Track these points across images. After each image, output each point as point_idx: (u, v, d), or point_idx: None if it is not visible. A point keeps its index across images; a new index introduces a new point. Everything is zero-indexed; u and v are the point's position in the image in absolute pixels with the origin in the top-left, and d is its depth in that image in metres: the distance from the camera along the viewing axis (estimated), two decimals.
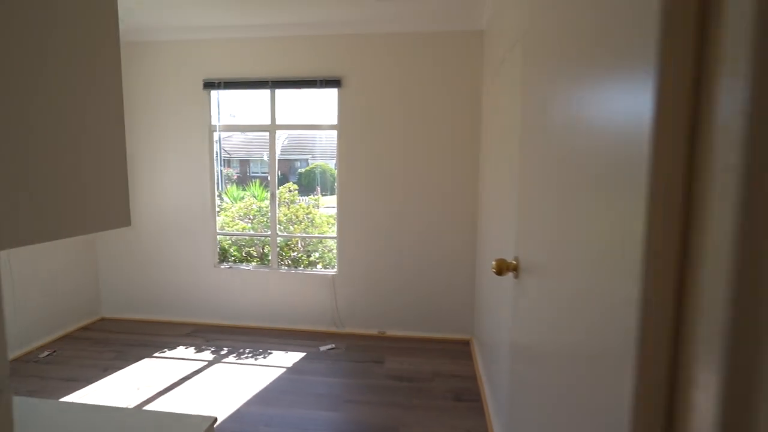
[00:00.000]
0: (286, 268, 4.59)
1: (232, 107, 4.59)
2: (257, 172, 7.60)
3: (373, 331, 4.29)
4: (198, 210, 4.37)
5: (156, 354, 3.78)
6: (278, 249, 4.58)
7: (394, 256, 4.18)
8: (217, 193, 4.46)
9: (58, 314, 4.11)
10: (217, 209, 5.43)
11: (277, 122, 4.23)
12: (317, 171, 7.78)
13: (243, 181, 6.78)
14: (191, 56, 4.18)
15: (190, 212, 4.38)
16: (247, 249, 5.02)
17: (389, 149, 4.06)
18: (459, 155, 3.99)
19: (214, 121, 4.29)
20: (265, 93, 4.20)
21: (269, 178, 4.36)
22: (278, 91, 4.20)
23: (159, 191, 4.39)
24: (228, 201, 5.59)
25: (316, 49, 4.03)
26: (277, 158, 4.32)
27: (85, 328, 4.32)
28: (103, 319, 4.57)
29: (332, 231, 4.83)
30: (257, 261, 4.89)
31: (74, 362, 3.61)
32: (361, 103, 4.05)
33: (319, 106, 4.35)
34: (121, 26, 3.79)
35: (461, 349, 3.95)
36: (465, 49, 3.86)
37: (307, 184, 7.91)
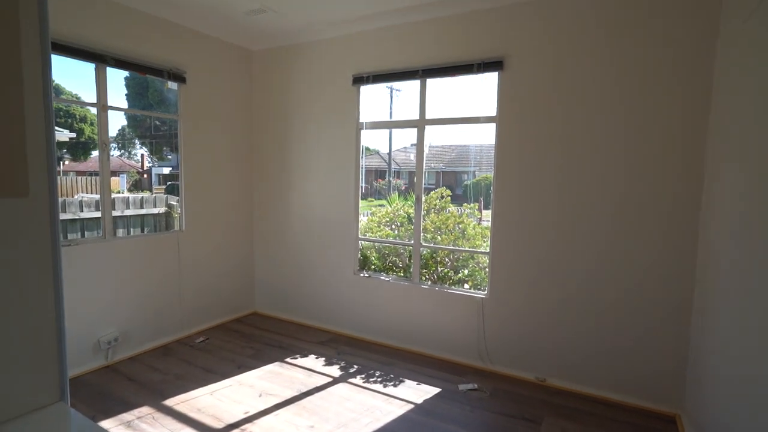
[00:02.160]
0: (429, 283, 4.01)
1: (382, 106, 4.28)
2: (424, 184, 7.50)
3: (530, 376, 3.35)
4: (342, 212, 4.15)
5: (288, 359, 3.62)
6: (422, 261, 4.05)
7: (563, 284, 3.20)
8: (361, 199, 4.19)
9: (218, 304, 4.37)
10: (368, 213, 5.23)
11: (427, 117, 3.72)
12: (482, 183, 7.14)
13: (409, 191, 6.69)
14: (341, 52, 4.01)
15: (335, 214, 4.20)
16: (392, 258, 4.64)
17: (565, 146, 3.13)
18: (668, 155, 2.81)
19: (361, 119, 4.03)
20: (414, 86, 3.74)
21: (416, 180, 3.87)
22: (430, 85, 3.69)
23: (309, 190, 4.34)
24: (388, 207, 5.39)
25: (471, 26, 3.39)
26: (425, 160, 3.80)
27: (238, 320, 4.52)
28: (255, 314, 4.74)
29: (486, 246, 4.07)
30: (401, 272, 4.46)
31: (218, 353, 3.70)
32: (529, 88, 3.23)
33: (476, 99, 3.68)
34: (266, 15, 3.82)
35: (660, 429, 2.72)
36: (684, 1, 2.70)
37: (473, 196, 7.31)
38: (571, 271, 3.16)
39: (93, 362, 3.33)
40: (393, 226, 4.80)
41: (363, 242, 4.35)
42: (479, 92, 3.56)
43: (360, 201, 4.15)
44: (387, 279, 4.02)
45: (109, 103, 3.36)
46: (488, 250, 3.55)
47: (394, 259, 4.63)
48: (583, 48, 3.02)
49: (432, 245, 4.22)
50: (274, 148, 4.51)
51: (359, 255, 4.26)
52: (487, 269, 3.77)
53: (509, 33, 3.27)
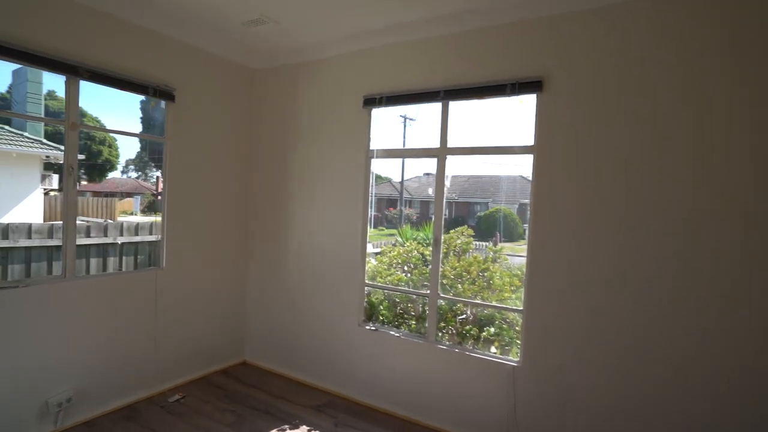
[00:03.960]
0: (448, 342, 3.38)
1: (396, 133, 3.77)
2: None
3: None
4: (347, 252, 3.58)
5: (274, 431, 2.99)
6: (440, 313, 3.42)
7: (618, 353, 2.53)
8: (371, 230, 3.63)
9: (202, 353, 3.78)
10: (377, 252, 4.65)
11: (449, 145, 3.18)
12: (497, 215, 6.56)
13: (421, 222, 6.18)
14: (350, 71, 3.54)
15: (339, 253, 3.63)
16: (402, 305, 4.01)
17: (621, 181, 2.53)
18: (750, 190, 2.19)
19: (372, 146, 3.51)
20: (435, 109, 3.22)
21: (434, 218, 3.29)
22: (453, 109, 3.16)
23: (311, 226, 3.79)
24: (401, 241, 4.84)
25: (504, 41, 2.88)
26: (445, 197, 3.23)
27: (224, 372, 3.91)
28: (244, 364, 4.13)
29: (516, 299, 3.43)
30: (414, 322, 3.82)
31: (192, 419, 3.08)
32: (577, 113, 2.67)
33: (508, 126, 3.14)
34: (267, 29, 3.37)
35: None
36: None
37: (486, 229, 6.70)
38: (628, 336, 2.50)
39: (36, 430, 2.75)
40: (406, 268, 4.19)
41: (371, 288, 3.75)
42: (513, 117, 3.02)
43: (368, 241, 3.58)
44: (397, 334, 3.39)
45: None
46: (521, 307, 2.91)
47: (408, 305, 4.01)
48: (644, 64, 2.46)
49: (451, 297, 3.59)
50: (272, 176, 4.01)
51: (365, 302, 3.65)
52: (518, 328, 3.12)
53: (550, 49, 2.74)
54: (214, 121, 3.75)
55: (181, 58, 3.44)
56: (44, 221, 8.86)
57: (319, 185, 3.74)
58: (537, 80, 2.77)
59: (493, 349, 3.25)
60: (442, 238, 3.28)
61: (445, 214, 3.47)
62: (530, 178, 2.89)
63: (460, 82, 3.04)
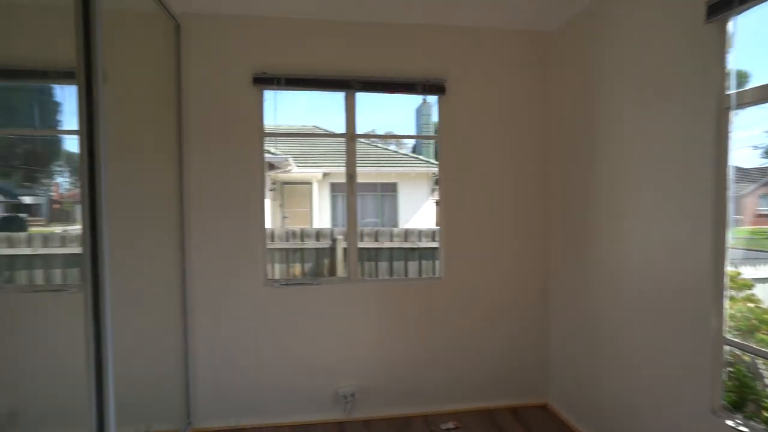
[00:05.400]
0: None
1: None
2: None
3: None
4: (681, 278, 2.11)
5: None
6: None
7: None
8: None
9: (490, 380, 3.24)
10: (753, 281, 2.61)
11: None
12: None
13: None
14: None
15: (668, 276, 2.20)
16: None
17: None
18: None
19: (729, 90, 1.90)
20: None
21: None
22: None
23: (624, 237, 2.51)
24: None
25: None
26: None
27: (514, 410, 3.19)
28: (545, 408, 3.24)
29: None
30: None
31: None
32: None
33: None
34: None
35: None
36: None
37: None
38: None
39: (330, 413, 3.06)
40: None
41: (733, 348, 2.04)
42: None
43: (728, 254, 1.97)
44: None
45: None
46: None
47: None
48: None
49: None
50: (575, 166, 2.96)
51: (727, 373, 2.02)
52: None
53: None
54: (494, 109, 3.16)
55: (449, 44, 3.07)
56: (436, 226, 10.81)
57: (635, 170, 2.42)
58: None
59: None
60: None
61: None
62: None
63: None
